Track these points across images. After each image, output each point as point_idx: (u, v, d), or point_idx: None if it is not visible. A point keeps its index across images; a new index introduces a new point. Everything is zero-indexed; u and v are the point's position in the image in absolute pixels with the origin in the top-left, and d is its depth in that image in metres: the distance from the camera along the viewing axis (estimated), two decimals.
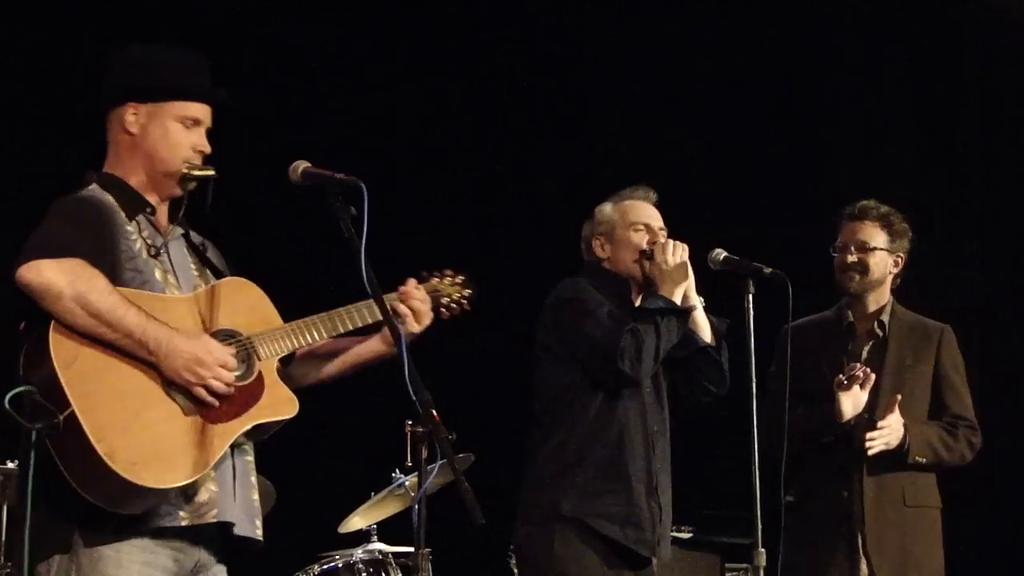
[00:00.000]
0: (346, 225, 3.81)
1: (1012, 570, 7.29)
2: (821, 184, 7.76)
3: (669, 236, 5.25)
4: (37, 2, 7.26)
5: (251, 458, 3.99)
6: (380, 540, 6.49)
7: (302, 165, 3.99)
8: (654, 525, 5.12)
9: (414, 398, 3.71)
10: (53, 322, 3.68)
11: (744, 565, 7.02)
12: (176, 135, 3.99)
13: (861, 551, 5.54)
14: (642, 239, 5.24)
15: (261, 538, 3.96)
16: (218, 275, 4.07)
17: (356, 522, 6.51)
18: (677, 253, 5.13)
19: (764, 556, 4.79)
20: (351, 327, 4.05)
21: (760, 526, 4.78)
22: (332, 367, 4.22)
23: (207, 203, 4.05)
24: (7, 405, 3.61)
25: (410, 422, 5.99)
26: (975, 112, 7.90)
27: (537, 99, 8.17)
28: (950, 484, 5.77)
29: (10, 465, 6.04)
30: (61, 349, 3.67)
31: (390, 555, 6.31)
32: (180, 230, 4.07)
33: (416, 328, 4.13)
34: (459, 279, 4.33)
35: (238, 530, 3.88)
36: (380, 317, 3.96)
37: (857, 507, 5.54)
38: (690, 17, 7.99)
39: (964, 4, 7.86)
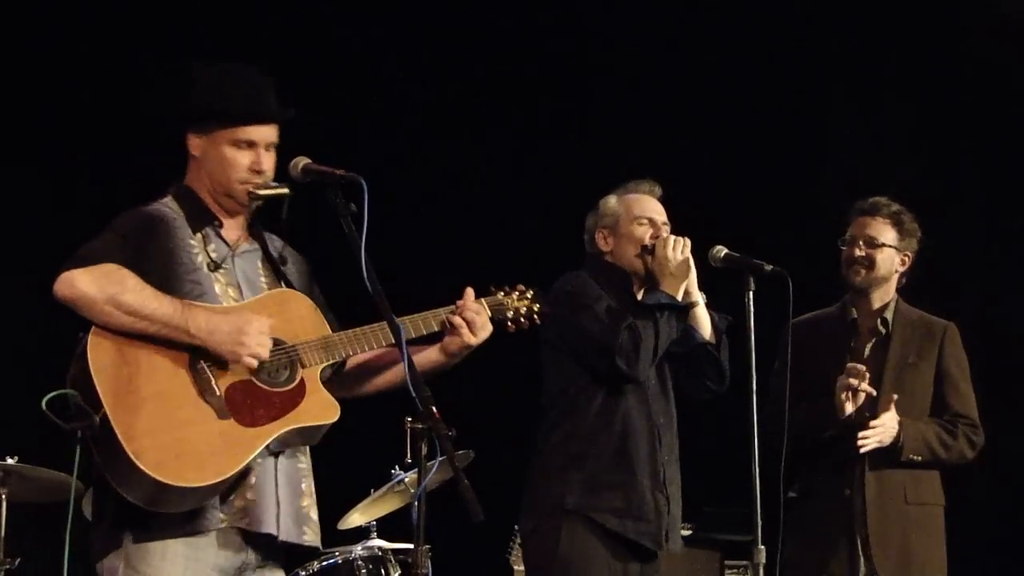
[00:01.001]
0: (346, 222, 3.82)
1: (1015, 569, 7.28)
2: (822, 181, 7.75)
3: (672, 231, 5.25)
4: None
5: (304, 464, 4.06)
6: (380, 537, 6.49)
7: (303, 161, 4.02)
8: (661, 518, 5.12)
9: (414, 394, 3.72)
10: (93, 327, 3.80)
11: (744, 562, 7.03)
12: (231, 158, 4.06)
13: (861, 548, 5.54)
14: (645, 233, 5.24)
15: (311, 543, 4.05)
16: (289, 286, 4.14)
17: (356, 519, 6.50)
18: (679, 248, 5.13)
19: (764, 553, 4.79)
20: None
21: (760, 523, 4.78)
22: (384, 378, 4.26)
23: (282, 217, 4.12)
24: (44, 407, 3.73)
25: (410, 418, 5.99)
26: (977, 109, 7.89)
27: (541, 94, 8.16)
28: (953, 482, 5.76)
29: (10, 461, 6.05)
30: (97, 353, 3.78)
31: (389, 552, 6.31)
32: (254, 242, 4.15)
33: (472, 340, 4.15)
34: (528, 294, 4.34)
35: (283, 537, 3.95)
36: (435, 329, 4.08)
37: (859, 504, 5.54)
38: (694, 15, 7.99)
39: (967, 2, 7.86)
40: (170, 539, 3.82)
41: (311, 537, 4.05)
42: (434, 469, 3.87)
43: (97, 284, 3.78)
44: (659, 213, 5.30)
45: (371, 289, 3.79)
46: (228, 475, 3.80)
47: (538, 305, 4.34)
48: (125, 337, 3.80)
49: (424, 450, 3.87)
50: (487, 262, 4.46)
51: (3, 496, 6.13)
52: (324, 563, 6.17)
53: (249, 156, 4.06)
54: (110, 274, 3.81)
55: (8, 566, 6.10)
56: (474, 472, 4.00)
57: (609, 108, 8.13)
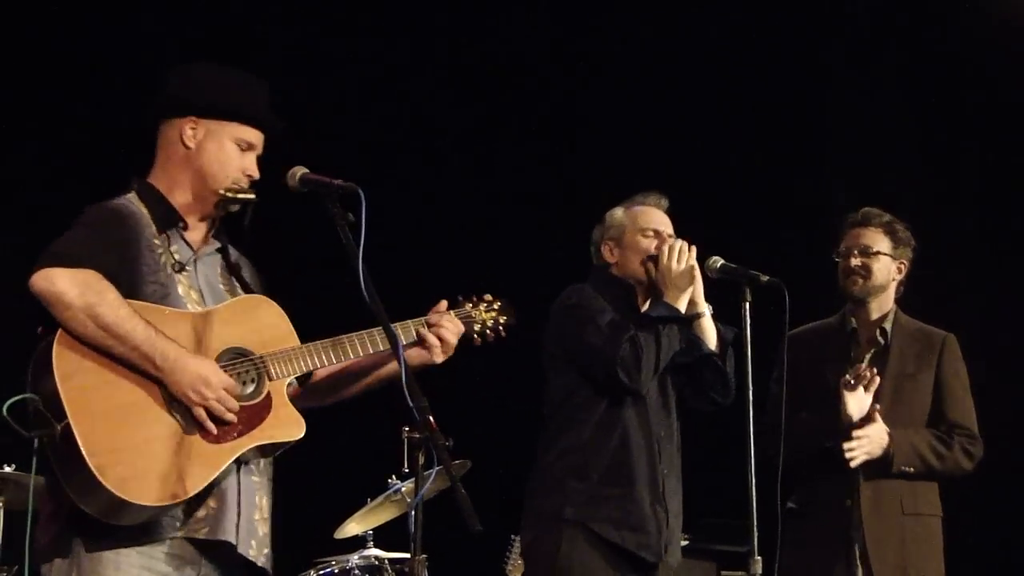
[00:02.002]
0: (344, 232, 3.81)
1: None
2: (819, 192, 7.76)
3: None
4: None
5: (259, 478, 3.98)
6: (376, 546, 6.50)
7: (300, 171, 4.00)
8: (660, 530, 5.12)
9: (411, 404, 3.71)
10: (59, 332, 3.71)
11: (740, 573, 7.02)
12: (229, 155, 4.03)
13: (859, 559, 5.54)
14: (650, 245, 5.23)
15: (254, 558, 3.94)
16: (248, 292, 4.09)
17: (352, 528, 6.51)
18: (683, 258, 5.13)
19: (760, 564, 4.79)
20: (368, 350, 4.03)
21: (756, 534, 4.78)
22: (355, 386, 4.21)
23: (244, 224, 4.08)
24: (5, 412, 3.65)
25: (407, 428, 5.95)
26: (976, 118, 7.90)
27: (538, 106, 8.18)
28: (952, 493, 5.76)
29: (7, 469, 6.05)
30: (64, 361, 3.69)
31: (386, 561, 6.32)
32: (215, 246, 4.10)
33: (439, 360, 4.12)
34: (496, 304, 4.29)
35: (240, 549, 3.88)
36: (404, 341, 3.97)
37: (857, 515, 5.54)
38: (694, 26, 8.00)
39: (965, 8, 7.87)
40: (123, 548, 3.75)
41: (255, 553, 3.94)
42: (431, 479, 3.87)
43: (78, 289, 3.70)
44: (665, 225, 5.29)
45: (368, 299, 3.78)
46: (190, 495, 3.72)
47: (505, 317, 4.28)
48: (91, 346, 3.72)
49: (421, 460, 3.87)
50: (483, 274, 4.45)
51: (1, 504, 6.13)
52: (321, 572, 6.18)
53: (246, 159, 4.05)
54: (91, 283, 3.72)
55: (6, 573, 6.10)
56: (471, 482, 4.00)
57: (606, 117, 8.14)
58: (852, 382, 5.47)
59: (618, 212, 5.34)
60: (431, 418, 3.72)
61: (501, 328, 4.28)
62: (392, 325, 3.94)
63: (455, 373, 4.38)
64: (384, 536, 6.56)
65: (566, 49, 8.20)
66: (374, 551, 6.43)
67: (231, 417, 3.79)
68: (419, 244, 7.73)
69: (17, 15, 7.41)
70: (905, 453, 5.55)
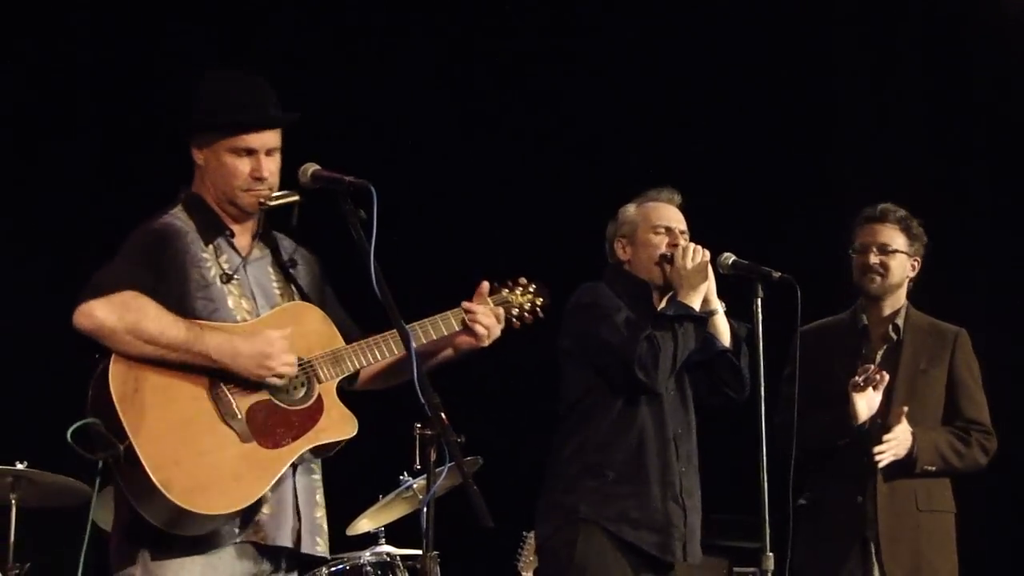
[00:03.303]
0: (356, 228, 3.82)
1: None
2: (830, 188, 7.74)
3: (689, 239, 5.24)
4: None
5: (317, 476, 4.09)
6: (388, 543, 6.49)
7: (311, 168, 4.01)
8: (675, 528, 5.11)
9: (423, 401, 3.72)
10: (113, 355, 3.80)
11: (752, 569, 7.01)
12: (230, 167, 4.06)
13: (874, 556, 5.53)
14: (662, 242, 5.21)
15: (323, 554, 4.09)
16: (301, 292, 4.15)
17: (364, 524, 6.51)
18: (697, 258, 5.11)
19: (772, 560, 4.79)
20: (417, 345, 4.04)
21: (768, 530, 4.78)
22: (399, 378, 4.23)
23: (293, 224, 4.13)
24: (69, 438, 3.76)
25: (419, 424, 5.95)
26: (985, 114, 7.88)
27: (549, 103, 8.17)
28: (965, 489, 5.75)
29: (20, 466, 6.06)
30: (119, 382, 3.79)
31: (398, 558, 6.31)
32: (265, 249, 4.15)
33: (485, 344, 4.21)
34: (531, 288, 4.36)
35: (303, 548, 3.99)
36: (445, 333, 4.12)
37: (871, 511, 5.53)
38: (706, 22, 7.98)
39: (975, 4, 7.85)
40: (187, 557, 3.85)
41: (323, 548, 4.08)
42: (443, 475, 3.88)
43: (116, 313, 3.78)
44: (677, 221, 5.27)
45: (380, 296, 3.79)
46: (251, 501, 3.84)
47: (541, 299, 4.36)
48: (145, 364, 3.81)
49: (433, 456, 3.88)
50: (497, 271, 4.45)
51: (13, 501, 6.14)
52: (333, 569, 6.16)
53: (249, 163, 4.05)
54: (128, 302, 3.80)
55: (18, 571, 6.11)
56: (482, 478, 4.00)
57: (617, 113, 8.13)
58: (861, 383, 5.47)
59: (630, 209, 5.32)
60: (443, 415, 3.72)
61: (539, 309, 4.35)
62: (433, 318, 4.09)
63: (467, 370, 4.39)
64: (396, 533, 6.56)
65: (580, 45, 8.19)
66: (386, 548, 6.42)
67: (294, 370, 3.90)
68: (428, 241, 7.71)
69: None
70: (928, 452, 5.55)
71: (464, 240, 7.81)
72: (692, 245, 5.16)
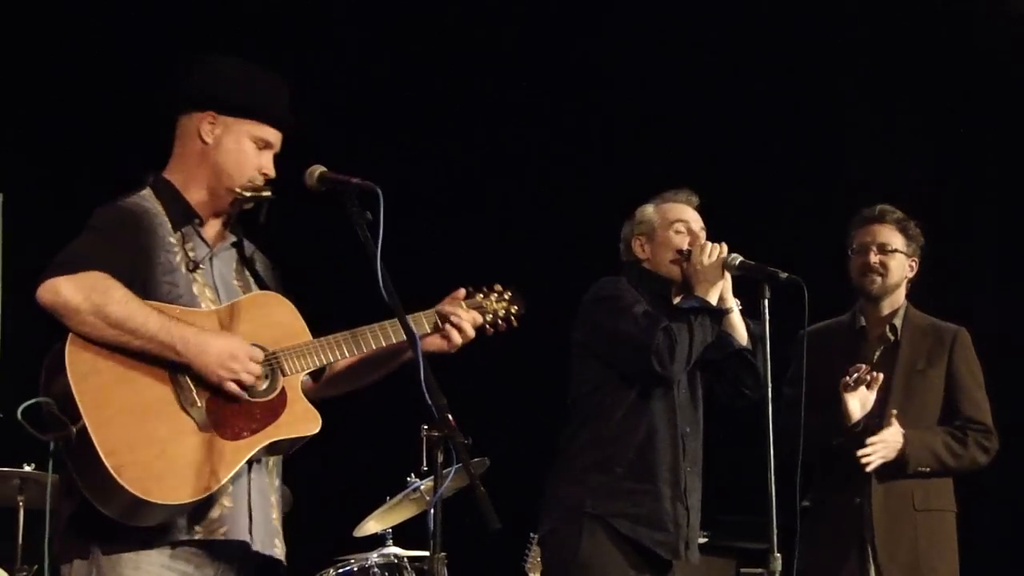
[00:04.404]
0: (362, 230, 3.80)
1: None
2: (837, 188, 7.75)
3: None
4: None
5: (270, 478, 3.97)
6: (395, 544, 6.51)
7: (318, 170, 3.98)
8: (679, 528, 5.12)
9: (430, 402, 3.71)
10: (70, 335, 3.68)
11: (759, 570, 7.00)
12: (247, 153, 3.99)
13: (872, 557, 5.53)
14: (682, 240, 5.24)
15: (280, 557, 3.96)
16: (262, 287, 4.07)
17: (371, 526, 6.52)
18: (714, 254, 5.13)
19: (780, 561, 4.77)
20: (382, 344, 4.01)
21: (776, 531, 4.78)
22: (373, 375, 4.19)
23: (260, 221, 4.05)
24: (20, 416, 3.64)
25: (426, 426, 6.00)
26: (991, 114, 7.88)
27: (561, 105, 8.18)
28: (968, 487, 5.75)
29: (27, 468, 6.07)
30: (77, 362, 3.67)
31: (405, 559, 6.32)
32: (231, 241, 4.08)
33: (455, 348, 4.11)
34: (507, 295, 4.30)
35: (257, 547, 3.87)
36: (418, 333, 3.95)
37: (868, 512, 5.53)
38: (713, 26, 7.99)
39: (978, 5, 7.86)
40: (142, 550, 3.73)
41: (280, 551, 3.96)
42: (450, 477, 3.87)
43: (82, 293, 3.67)
44: (696, 221, 5.30)
45: (387, 297, 3.77)
46: (210, 492, 3.72)
47: (515, 307, 4.29)
48: (104, 346, 3.69)
49: (440, 458, 3.88)
50: (502, 272, 4.45)
51: (20, 503, 6.15)
52: (340, 570, 6.18)
53: (263, 157, 4.01)
54: (96, 284, 3.69)
55: (26, 572, 6.12)
56: (490, 480, 3.99)
57: (625, 115, 8.14)
58: (852, 383, 5.47)
59: (649, 208, 5.35)
60: (450, 416, 3.71)
61: (512, 317, 4.29)
62: (412, 315, 3.95)
63: (474, 371, 4.39)
64: (403, 534, 6.57)
65: (593, 48, 8.19)
66: (393, 549, 6.44)
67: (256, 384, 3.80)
68: (440, 241, 7.72)
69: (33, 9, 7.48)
70: (920, 454, 5.54)
71: (468, 241, 7.82)
72: (709, 243, 5.17)
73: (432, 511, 4.00)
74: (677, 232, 5.26)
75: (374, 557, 6.29)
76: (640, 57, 8.08)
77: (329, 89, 7.74)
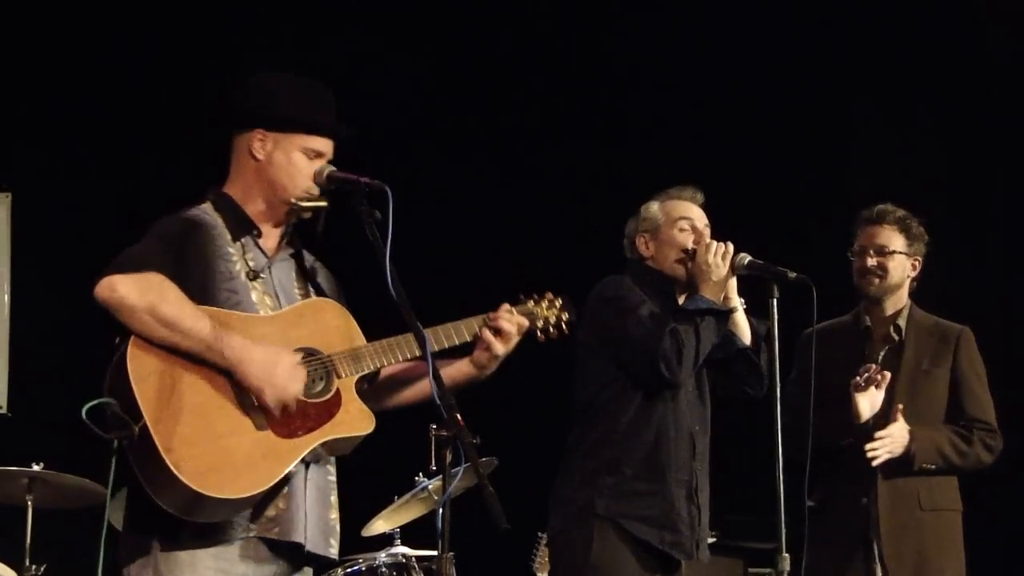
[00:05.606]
0: (371, 230, 3.82)
1: None
2: (845, 187, 7.74)
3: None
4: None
5: (332, 477, 4.07)
6: (403, 544, 6.50)
7: (327, 169, 4.03)
8: (692, 528, 5.12)
9: (438, 402, 3.72)
10: (133, 336, 3.79)
11: (768, 570, 7.00)
12: (299, 165, 4.05)
13: (878, 557, 5.53)
14: (687, 239, 5.22)
15: (335, 556, 4.06)
16: (322, 296, 4.14)
17: (379, 525, 6.52)
18: (719, 253, 5.11)
19: (788, 561, 4.78)
20: (433, 348, 4.02)
21: (784, 531, 4.77)
22: (414, 391, 4.24)
23: (318, 230, 4.11)
24: (84, 416, 3.73)
25: (434, 426, 5.94)
26: (998, 113, 7.87)
27: (567, 103, 8.19)
28: (973, 487, 5.74)
29: (36, 467, 6.08)
30: (137, 363, 3.77)
31: (413, 559, 6.32)
32: (290, 252, 4.15)
33: (500, 351, 4.14)
34: (558, 302, 4.31)
35: (310, 547, 3.96)
36: (467, 339, 4.07)
37: (874, 512, 5.53)
38: (722, 24, 7.99)
39: (986, 9, 7.85)
40: (199, 549, 3.83)
41: (336, 550, 4.06)
42: (458, 476, 3.88)
43: (138, 291, 3.76)
44: (700, 218, 5.28)
45: (396, 298, 3.79)
46: (264, 488, 3.81)
47: (567, 314, 4.31)
48: (164, 349, 3.80)
49: (448, 457, 3.89)
50: (514, 270, 4.45)
51: (29, 503, 6.16)
52: (348, 570, 6.18)
53: (315, 167, 4.06)
54: (152, 283, 3.79)
55: (34, 572, 6.12)
56: (498, 479, 4.00)
57: (632, 113, 8.14)
58: (862, 383, 5.47)
59: (653, 205, 5.33)
60: (458, 416, 3.72)
61: (564, 325, 4.31)
62: (456, 323, 4.05)
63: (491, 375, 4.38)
64: (411, 534, 6.57)
65: (598, 48, 8.20)
66: (401, 549, 6.43)
67: (292, 406, 3.86)
68: (443, 242, 7.72)
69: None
70: (926, 451, 5.54)
71: (475, 243, 7.83)
72: (714, 241, 5.16)
73: (440, 511, 4.00)
74: (681, 230, 5.24)
75: (382, 557, 6.29)
76: (648, 56, 8.08)
77: (337, 89, 7.74)
